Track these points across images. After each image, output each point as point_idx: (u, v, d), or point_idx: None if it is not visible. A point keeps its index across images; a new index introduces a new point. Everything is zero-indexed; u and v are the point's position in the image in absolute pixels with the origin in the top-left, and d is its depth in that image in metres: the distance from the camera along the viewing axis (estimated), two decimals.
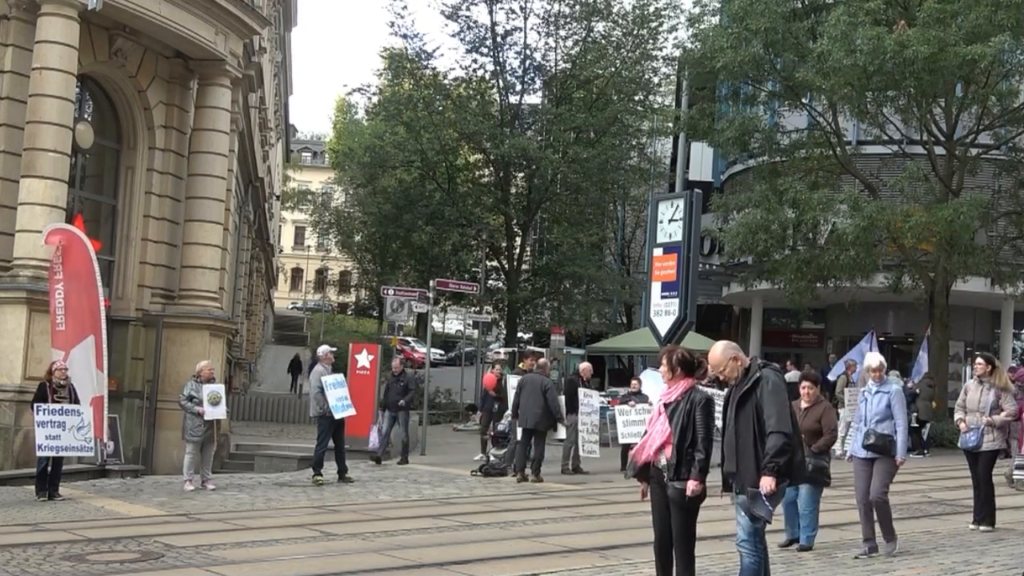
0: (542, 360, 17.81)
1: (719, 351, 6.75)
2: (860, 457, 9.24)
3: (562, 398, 17.23)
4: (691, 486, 6.59)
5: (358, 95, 41.17)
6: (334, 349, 16.77)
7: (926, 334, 23.82)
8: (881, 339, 25.73)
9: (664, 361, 6.99)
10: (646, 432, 7.22)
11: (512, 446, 16.83)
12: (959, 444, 11.20)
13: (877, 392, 9.35)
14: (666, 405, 6.94)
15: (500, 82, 37.38)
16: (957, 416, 10.99)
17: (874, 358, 9.52)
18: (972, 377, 11.12)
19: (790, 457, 6.37)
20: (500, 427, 18.56)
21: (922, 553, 9.09)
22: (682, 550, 6.83)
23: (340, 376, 16.01)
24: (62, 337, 14.65)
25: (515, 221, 38.29)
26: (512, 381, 17.84)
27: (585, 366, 19.54)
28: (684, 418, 6.72)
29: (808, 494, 9.17)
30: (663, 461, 6.80)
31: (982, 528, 10.35)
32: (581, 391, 17.50)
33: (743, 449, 6.47)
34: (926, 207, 22.01)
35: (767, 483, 6.27)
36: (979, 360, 10.93)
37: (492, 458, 17.95)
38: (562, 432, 17.80)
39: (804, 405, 9.54)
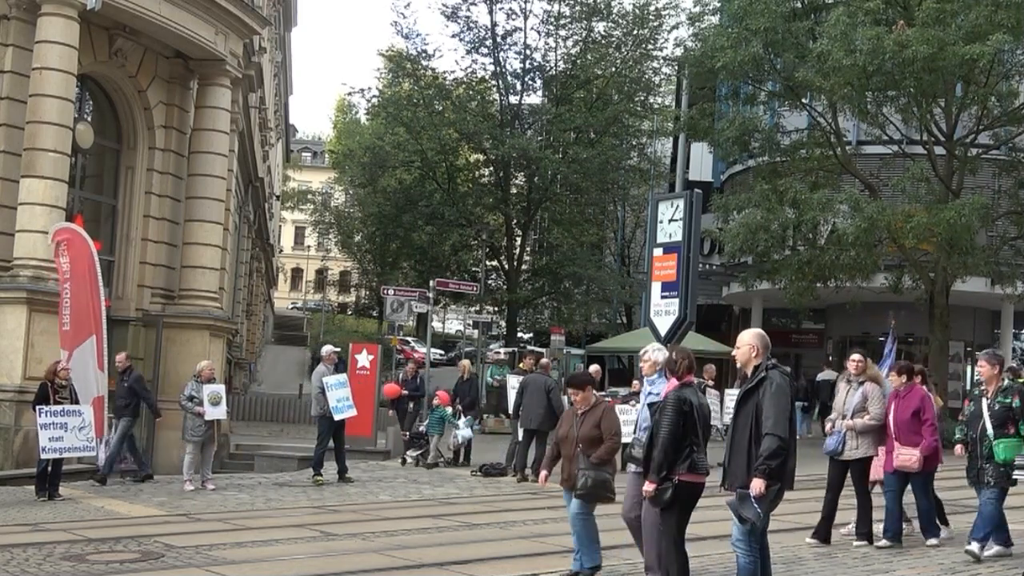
0: (543, 360, 17.81)
1: (748, 335, 6.75)
2: (631, 471, 7.94)
3: (566, 398, 17.25)
4: (646, 487, 6.67)
5: (358, 96, 41.16)
6: (337, 350, 16.77)
7: (891, 326, 23.52)
8: (881, 339, 25.66)
9: (660, 360, 7.07)
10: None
11: (512, 446, 16.84)
12: (824, 449, 10.16)
13: (649, 393, 7.92)
14: (650, 407, 7.05)
15: (500, 82, 37.41)
16: (828, 418, 10.16)
17: (652, 351, 8.11)
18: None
19: (783, 461, 6.34)
20: (422, 428, 18.67)
21: (922, 553, 9.10)
22: (665, 547, 6.84)
23: (343, 376, 16.00)
24: (67, 337, 14.66)
25: (515, 221, 38.31)
26: (512, 381, 17.85)
27: (595, 368, 19.65)
28: (655, 417, 6.81)
29: (582, 510, 7.96)
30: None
31: (855, 544, 9.37)
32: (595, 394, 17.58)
33: (736, 447, 6.49)
34: (927, 207, 22.00)
35: (757, 485, 6.26)
36: (854, 357, 9.96)
37: (409, 459, 18.14)
38: None
39: (580, 410, 8.09)
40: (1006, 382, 8.81)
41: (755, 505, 6.27)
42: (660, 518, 6.83)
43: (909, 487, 9.53)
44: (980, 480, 8.72)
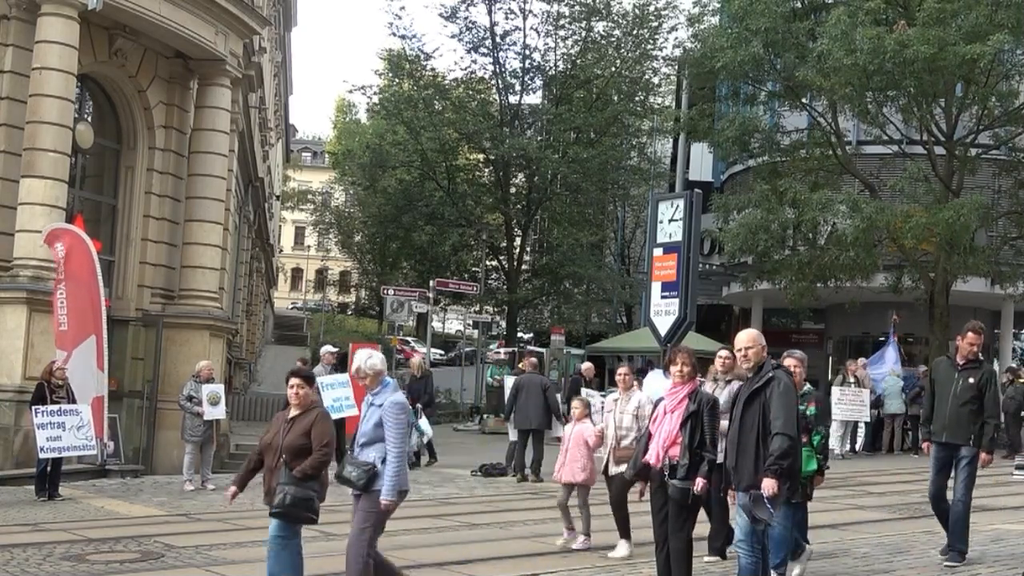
0: (533, 359, 17.93)
1: (751, 336, 6.70)
2: (352, 493, 7.05)
3: (559, 396, 17.28)
4: (700, 484, 6.65)
5: (359, 95, 41.45)
6: (335, 350, 16.78)
7: (892, 324, 23.55)
8: (881, 339, 25.71)
9: (686, 361, 7.04)
10: (648, 432, 7.26)
11: (512, 446, 16.84)
12: None
13: (371, 405, 6.92)
14: (671, 406, 7.02)
15: (500, 82, 37.42)
16: None
17: (362, 354, 7.04)
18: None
19: (792, 461, 6.37)
20: None
21: (922, 553, 9.09)
22: (678, 548, 6.86)
23: (343, 377, 15.96)
24: (65, 337, 14.65)
25: (515, 221, 38.32)
26: (507, 382, 17.87)
27: (587, 366, 19.59)
28: (693, 419, 6.80)
29: (281, 532, 7.00)
30: (666, 460, 6.87)
31: (706, 558, 8.47)
32: (584, 391, 17.51)
33: (744, 447, 6.49)
34: (926, 207, 22.01)
35: (769, 485, 6.27)
36: (721, 353, 8.94)
37: None
38: (559, 430, 17.79)
39: (292, 413, 7.08)
40: (806, 387, 8.01)
41: (768, 505, 6.28)
42: (678, 515, 6.86)
43: None
44: None
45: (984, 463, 8.32)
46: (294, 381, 7.04)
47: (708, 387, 8.83)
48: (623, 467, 8.88)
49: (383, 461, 6.75)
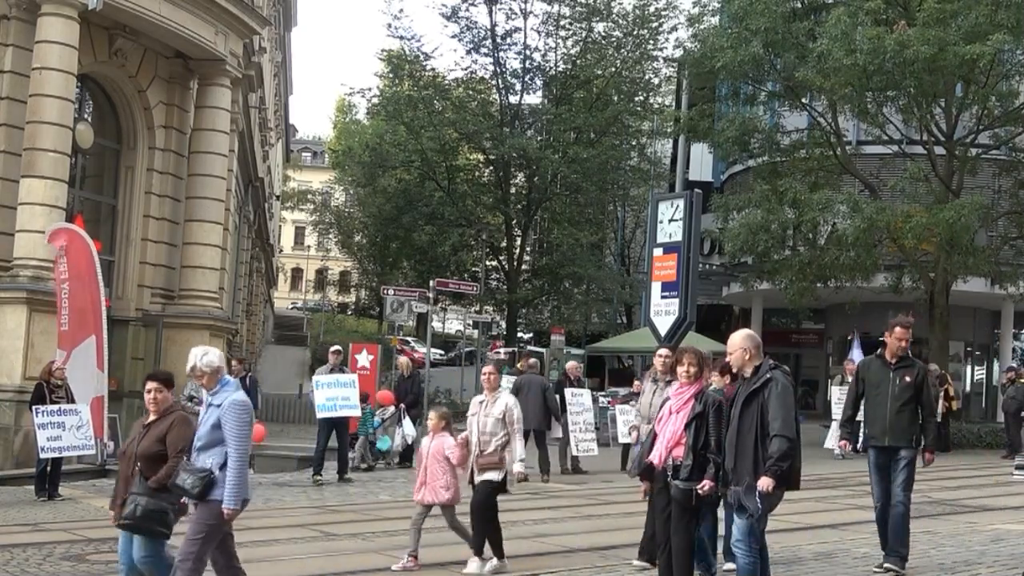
0: (532, 360, 17.85)
1: (737, 338, 6.68)
2: (190, 501, 6.39)
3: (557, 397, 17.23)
4: (707, 485, 6.66)
5: (359, 96, 41.32)
6: (337, 348, 16.79)
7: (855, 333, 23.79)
8: (881, 339, 25.70)
9: (693, 361, 7.04)
10: (653, 432, 7.26)
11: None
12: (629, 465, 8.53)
13: (209, 405, 6.36)
14: (677, 406, 7.02)
15: (500, 82, 37.44)
16: (631, 425, 9.12)
17: (197, 351, 6.46)
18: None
19: (792, 462, 6.37)
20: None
21: (922, 553, 9.09)
22: (681, 548, 6.87)
23: (344, 376, 15.88)
24: (65, 337, 14.66)
25: (515, 221, 38.34)
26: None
27: (571, 364, 19.33)
28: (698, 420, 6.79)
29: (144, 547, 6.35)
30: (670, 461, 6.88)
31: (635, 561, 8.11)
32: (568, 391, 17.24)
33: (742, 448, 6.47)
34: (926, 207, 22.01)
35: (767, 483, 6.26)
36: (660, 352, 8.50)
37: (352, 461, 17.37)
38: (558, 431, 17.79)
39: (149, 418, 6.55)
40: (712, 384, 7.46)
41: (758, 500, 6.27)
42: (680, 516, 6.86)
43: None
44: None
45: (928, 462, 8.20)
46: (151, 385, 6.49)
47: (647, 389, 8.75)
48: (488, 474, 8.45)
49: (221, 467, 6.11)
